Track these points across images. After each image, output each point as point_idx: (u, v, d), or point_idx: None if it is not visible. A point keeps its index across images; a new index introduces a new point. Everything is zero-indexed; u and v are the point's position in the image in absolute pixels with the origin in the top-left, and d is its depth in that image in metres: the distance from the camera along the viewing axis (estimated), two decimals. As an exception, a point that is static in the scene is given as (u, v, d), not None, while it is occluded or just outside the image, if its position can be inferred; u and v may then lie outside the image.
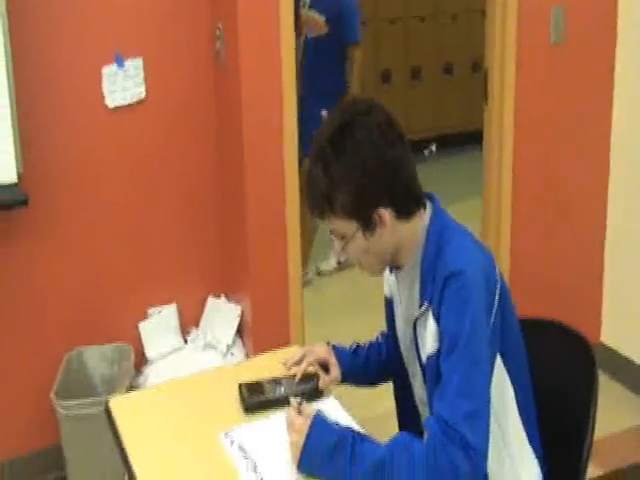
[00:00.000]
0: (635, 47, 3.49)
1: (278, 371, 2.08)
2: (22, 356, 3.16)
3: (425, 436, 1.70)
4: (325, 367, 2.08)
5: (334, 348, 2.13)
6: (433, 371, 1.77)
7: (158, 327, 3.29)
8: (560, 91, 3.55)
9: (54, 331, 3.20)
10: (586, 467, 1.90)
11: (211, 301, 3.41)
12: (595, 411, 1.92)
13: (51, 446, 3.16)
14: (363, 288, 3.91)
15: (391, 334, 2.06)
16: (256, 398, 1.98)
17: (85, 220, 3.19)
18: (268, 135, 3.13)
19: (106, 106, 3.11)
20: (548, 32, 3.47)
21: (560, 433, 1.98)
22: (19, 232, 3.06)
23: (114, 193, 3.22)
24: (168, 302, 3.36)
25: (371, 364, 2.13)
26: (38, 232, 3.09)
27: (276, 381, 2.03)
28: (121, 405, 2.02)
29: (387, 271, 1.99)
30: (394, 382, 2.12)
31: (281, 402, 1.95)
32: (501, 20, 3.43)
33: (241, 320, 3.32)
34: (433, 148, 6.99)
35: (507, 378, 1.83)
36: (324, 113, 4.18)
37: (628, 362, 3.73)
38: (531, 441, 1.89)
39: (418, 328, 1.84)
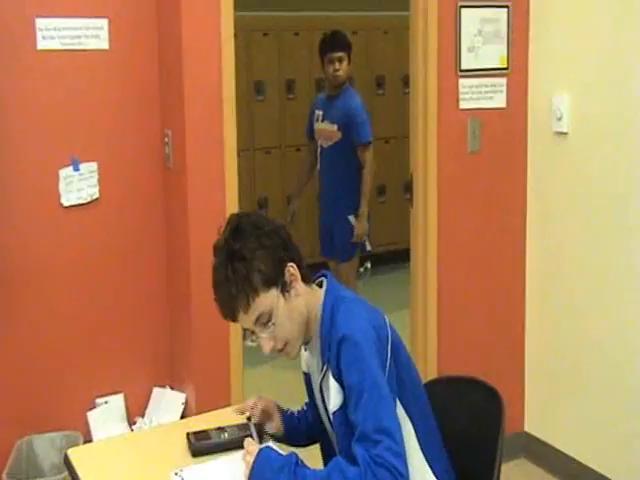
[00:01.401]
0: (544, 153, 3.86)
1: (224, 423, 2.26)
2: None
3: (358, 462, 1.89)
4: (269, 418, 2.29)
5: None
6: (340, 424, 2.01)
7: (105, 416, 3.42)
8: (478, 194, 3.86)
9: (5, 419, 3.30)
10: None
11: (156, 391, 3.56)
12: (502, 445, 2.19)
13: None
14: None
15: (312, 404, 2.29)
16: (202, 443, 2.16)
17: (38, 310, 3.36)
18: (213, 233, 3.36)
19: (61, 204, 3.35)
20: (465, 142, 3.83)
21: (474, 465, 2.23)
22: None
23: (67, 286, 3.41)
24: (115, 392, 3.50)
25: (302, 427, 2.35)
26: (-8, 321, 3.26)
27: (220, 429, 2.22)
28: (79, 454, 2.18)
29: (302, 348, 2.22)
30: (320, 442, 2.33)
31: (225, 446, 2.15)
32: (423, 133, 3.76)
33: (185, 407, 3.47)
34: (368, 265, 7.26)
35: (406, 417, 2.06)
36: (351, 218, 4.82)
37: (549, 448, 3.93)
38: (435, 473, 2.10)
39: (323, 389, 2.08)
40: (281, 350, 2.09)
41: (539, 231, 3.94)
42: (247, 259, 2.01)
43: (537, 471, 3.95)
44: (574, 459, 3.80)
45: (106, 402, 3.46)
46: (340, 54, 4.86)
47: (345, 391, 1.97)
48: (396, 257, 6.78)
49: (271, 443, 2.17)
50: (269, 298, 2.02)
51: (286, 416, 2.33)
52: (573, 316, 3.77)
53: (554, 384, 3.92)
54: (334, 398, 2.00)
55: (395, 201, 7.33)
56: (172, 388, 3.57)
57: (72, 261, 3.42)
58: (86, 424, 3.40)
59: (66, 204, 3.36)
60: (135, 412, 3.54)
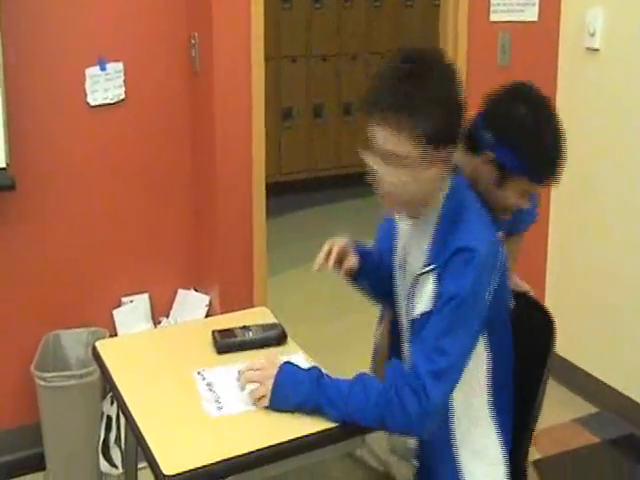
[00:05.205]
0: (574, 70, 3.83)
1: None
2: (2, 336, 3.34)
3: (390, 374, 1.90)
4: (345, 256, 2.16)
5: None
6: (422, 326, 1.92)
7: (131, 314, 3.49)
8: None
9: (33, 314, 3.38)
10: (537, 418, 2.13)
11: (181, 292, 3.64)
12: (549, 371, 2.15)
13: (26, 425, 3.36)
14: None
15: (387, 251, 2.16)
16: (227, 340, 2.22)
17: (66, 209, 3.40)
18: (238, 135, 3.39)
19: (88, 104, 3.35)
20: (495, 56, 3.80)
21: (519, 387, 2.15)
22: (5, 216, 3.27)
23: (93, 185, 3.44)
24: (141, 292, 3.57)
25: (380, 271, 2.21)
26: (23, 218, 3.30)
27: (245, 328, 2.27)
28: (107, 346, 2.24)
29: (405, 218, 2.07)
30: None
31: (250, 345, 2.21)
32: (453, 45, 3.72)
33: (209, 309, 3.55)
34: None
35: (484, 350, 1.99)
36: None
37: (574, 367, 4.00)
38: (497, 413, 2.05)
39: (419, 282, 1.97)
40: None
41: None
42: (424, 101, 1.80)
43: (561, 390, 3.99)
44: (598, 379, 3.86)
45: (131, 301, 3.53)
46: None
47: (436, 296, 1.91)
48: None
49: (299, 354, 2.18)
50: (409, 151, 1.82)
51: (363, 253, 2.20)
52: (600, 232, 3.77)
53: (580, 304, 3.95)
54: (427, 300, 1.94)
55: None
56: (196, 290, 3.63)
57: (98, 160, 3.43)
58: (112, 322, 3.48)
59: (92, 103, 3.36)
60: (160, 312, 3.61)
